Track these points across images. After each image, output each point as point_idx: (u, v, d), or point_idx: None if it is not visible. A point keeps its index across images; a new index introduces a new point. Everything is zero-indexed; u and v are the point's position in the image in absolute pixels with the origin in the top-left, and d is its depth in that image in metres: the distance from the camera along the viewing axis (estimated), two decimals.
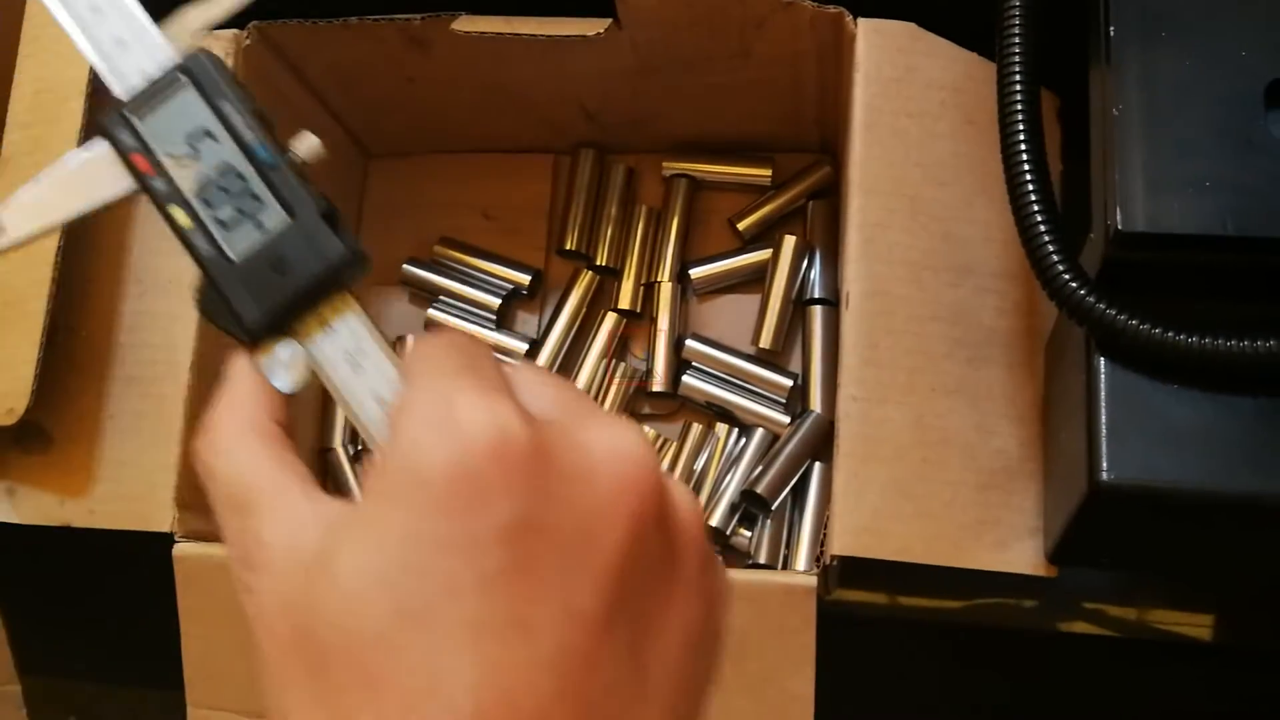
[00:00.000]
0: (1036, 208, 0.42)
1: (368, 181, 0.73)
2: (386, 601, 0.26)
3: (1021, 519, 0.49)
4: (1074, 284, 0.41)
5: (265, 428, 0.32)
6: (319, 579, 0.27)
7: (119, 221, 0.58)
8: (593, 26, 0.57)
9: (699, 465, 0.65)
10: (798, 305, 0.67)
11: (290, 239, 0.34)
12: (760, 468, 0.63)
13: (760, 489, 0.62)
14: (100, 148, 0.35)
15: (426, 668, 0.26)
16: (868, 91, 0.53)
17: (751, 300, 0.68)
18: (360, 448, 0.69)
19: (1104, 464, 0.41)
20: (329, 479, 0.70)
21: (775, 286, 0.66)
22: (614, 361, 0.68)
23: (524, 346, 0.68)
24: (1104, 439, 0.41)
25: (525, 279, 0.69)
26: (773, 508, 0.63)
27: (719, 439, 0.66)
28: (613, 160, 0.71)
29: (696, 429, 0.66)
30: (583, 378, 0.67)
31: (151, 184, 0.34)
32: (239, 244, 0.34)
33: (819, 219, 0.68)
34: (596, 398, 0.67)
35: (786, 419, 0.64)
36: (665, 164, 0.69)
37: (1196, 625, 0.66)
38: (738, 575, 0.49)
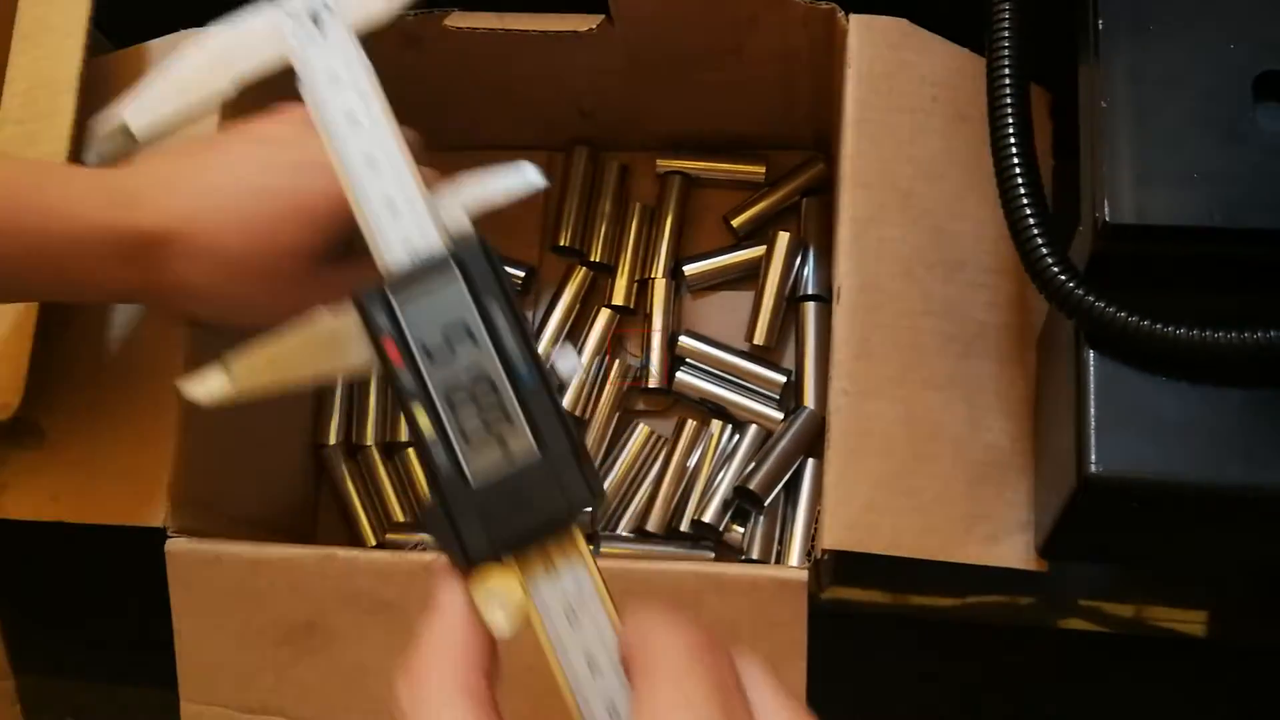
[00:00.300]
0: (1025, 202, 0.42)
1: None
2: None
3: (1012, 513, 0.49)
4: (1063, 277, 0.41)
5: (477, 690, 0.30)
6: None
7: None
8: (585, 22, 0.57)
9: (692, 462, 0.65)
10: (791, 302, 0.67)
11: (536, 472, 0.31)
12: (753, 464, 0.63)
13: (753, 485, 0.62)
14: (350, 318, 0.33)
15: None
16: (859, 87, 0.53)
17: (745, 297, 0.68)
18: (355, 443, 0.69)
19: (1093, 456, 0.41)
20: (323, 476, 0.70)
21: (769, 283, 0.66)
22: (608, 358, 0.68)
23: None
24: (1093, 431, 0.41)
25: (519, 274, 0.69)
26: (766, 504, 0.63)
27: (713, 435, 0.66)
28: (607, 157, 0.71)
29: (690, 425, 0.66)
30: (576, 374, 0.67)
31: (399, 377, 0.32)
32: (479, 464, 0.31)
33: (812, 215, 0.68)
34: (590, 394, 0.67)
35: (780, 415, 0.65)
36: (659, 161, 0.70)
37: (1191, 622, 0.66)
38: (730, 570, 0.49)
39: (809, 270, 0.66)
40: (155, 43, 0.59)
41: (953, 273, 0.52)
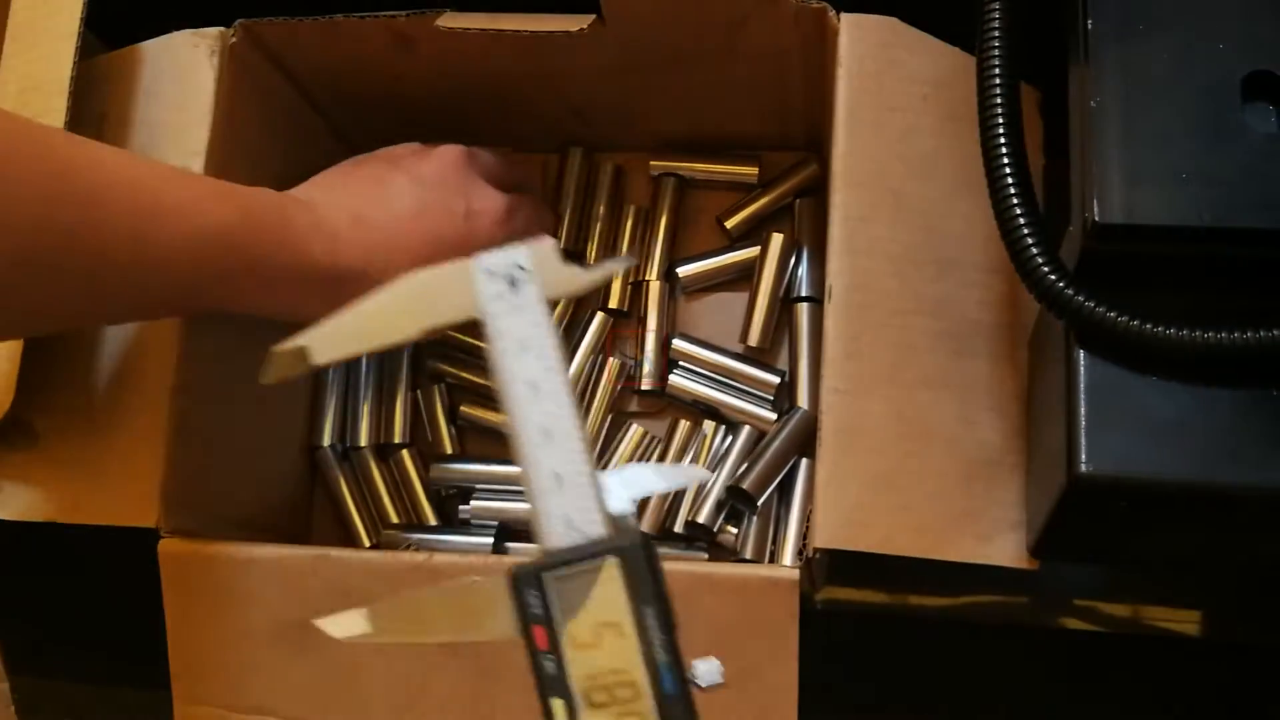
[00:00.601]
0: (1015, 201, 0.42)
1: None
2: None
3: (1004, 512, 0.49)
4: (1053, 277, 0.41)
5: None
6: None
7: None
8: (577, 23, 0.57)
9: (686, 463, 0.65)
10: (785, 303, 0.67)
11: None
12: (746, 465, 0.63)
13: (746, 485, 0.62)
14: (501, 584, 0.33)
15: None
16: (850, 86, 0.53)
17: (739, 298, 0.68)
18: (348, 445, 0.69)
19: (1083, 456, 0.41)
20: (317, 477, 0.70)
21: (763, 284, 0.66)
22: (602, 359, 0.68)
23: None
24: (1083, 431, 0.41)
25: None
26: (759, 504, 0.63)
27: (706, 436, 0.66)
28: (601, 159, 0.71)
29: (684, 426, 0.66)
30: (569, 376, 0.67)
31: (542, 663, 0.32)
32: None
33: (806, 217, 0.68)
34: (584, 396, 0.67)
35: (774, 416, 0.65)
36: (653, 163, 0.70)
37: (1185, 621, 0.66)
38: (723, 570, 0.49)
39: (803, 271, 0.66)
40: (148, 44, 0.59)
41: (944, 272, 0.52)
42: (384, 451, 0.69)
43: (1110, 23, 0.41)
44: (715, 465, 0.65)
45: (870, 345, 0.50)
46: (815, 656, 0.48)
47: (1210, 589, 0.65)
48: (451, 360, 0.69)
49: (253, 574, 0.53)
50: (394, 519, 0.68)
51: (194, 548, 0.53)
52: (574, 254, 0.70)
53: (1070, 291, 0.41)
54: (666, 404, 0.68)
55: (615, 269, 0.36)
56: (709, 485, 0.64)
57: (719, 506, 0.64)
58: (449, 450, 0.68)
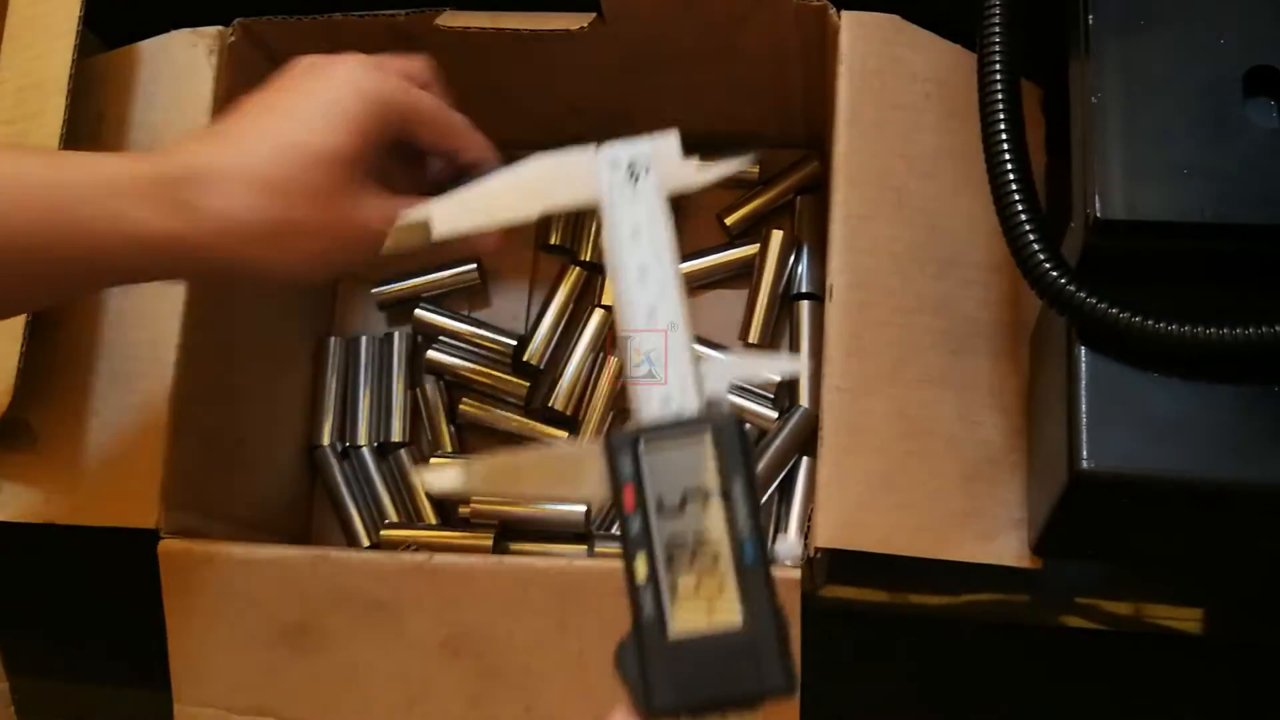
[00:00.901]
0: (1017, 198, 0.42)
1: None
2: None
3: (1006, 510, 0.49)
4: (1054, 273, 0.41)
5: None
6: None
7: None
8: (577, 21, 0.57)
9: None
10: (785, 300, 0.67)
11: (736, 645, 0.32)
12: None
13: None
14: (596, 450, 0.34)
15: None
16: (851, 85, 0.53)
17: (739, 295, 0.68)
18: (348, 444, 0.69)
19: (1084, 452, 0.41)
20: (316, 477, 0.70)
21: (763, 281, 0.66)
22: (603, 357, 0.68)
23: (512, 342, 0.68)
24: (1084, 428, 0.41)
25: (470, 267, 0.70)
26: (760, 503, 0.62)
27: None
28: None
29: None
30: (569, 373, 0.67)
31: (628, 521, 0.33)
32: (682, 621, 0.32)
33: (806, 214, 0.68)
34: (585, 393, 0.67)
35: (774, 414, 0.64)
36: None
37: (1187, 619, 0.66)
38: None
39: (803, 268, 0.66)
40: (147, 43, 0.59)
41: (945, 269, 0.51)
42: (383, 450, 0.69)
43: (1111, 18, 0.41)
44: None
45: (872, 344, 0.50)
46: (816, 655, 0.48)
47: (1212, 586, 0.65)
48: (449, 354, 0.69)
49: (252, 575, 0.53)
50: (393, 518, 0.67)
51: (194, 548, 0.53)
52: (561, 249, 0.70)
53: (1072, 288, 0.41)
54: None
55: (735, 166, 0.38)
56: None
57: None
58: (449, 448, 0.68)
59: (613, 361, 0.67)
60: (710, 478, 0.33)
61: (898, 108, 0.53)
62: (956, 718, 0.66)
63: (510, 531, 0.65)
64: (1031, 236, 0.41)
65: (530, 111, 0.67)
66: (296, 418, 0.69)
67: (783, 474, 0.63)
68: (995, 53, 0.43)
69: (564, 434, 0.66)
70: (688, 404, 0.35)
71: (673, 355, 0.36)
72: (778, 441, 0.63)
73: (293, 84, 0.48)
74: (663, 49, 0.60)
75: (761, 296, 0.66)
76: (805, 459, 0.63)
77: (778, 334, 0.67)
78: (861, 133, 0.52)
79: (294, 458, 0.69)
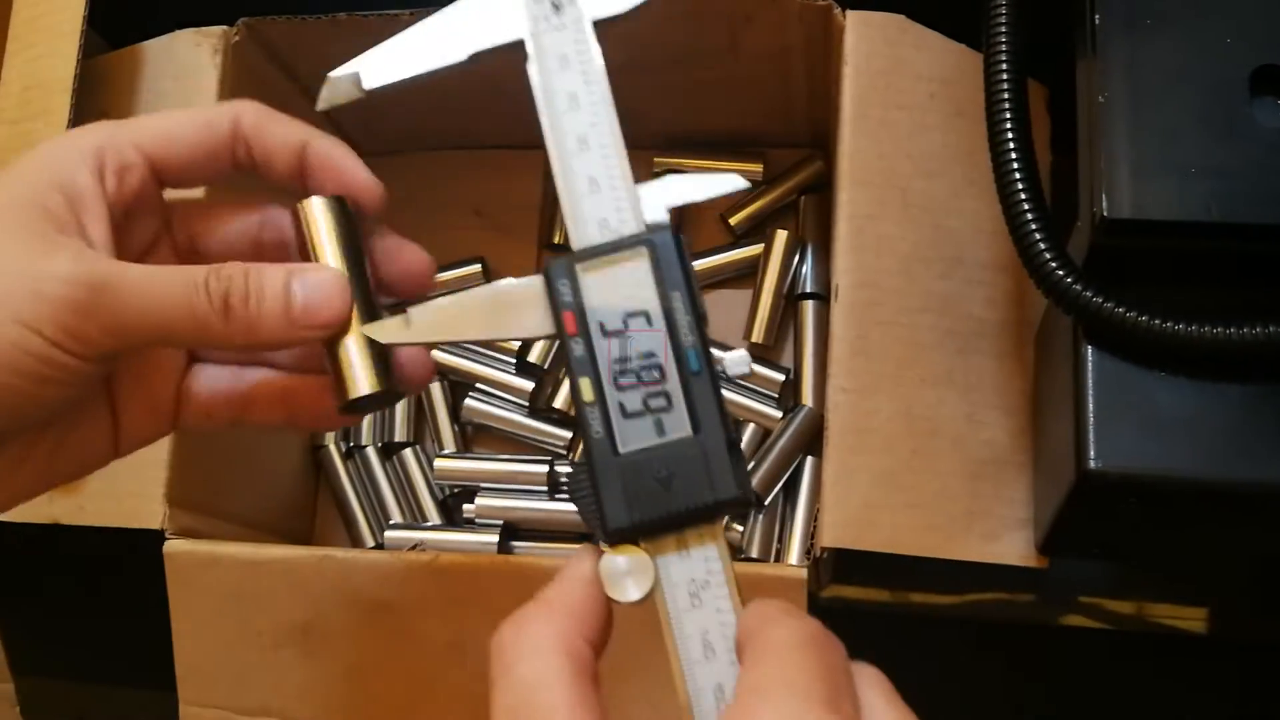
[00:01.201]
0: (1023, 197, 0.42)
1: None
2: None
3: (1011, 510, 0.49)
4: (1061, 272, 0.41)
5: (579, 652, 0.31)
6: None
7: None
8: None
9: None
10: (789, 300, 0.67)
11: (686, 456, 0.32)
12: (752, 463, 0.63)
13: (753, 484, 0.62)
14: (533, 284, 0.34)
15: None
16: (857, 84, 0.53)
17: (743, 295, 0.67)
18: (351, 444, 0.69)
19: (1091, 452, 0.41)
20: (321, 477, 0.70)
21: (767, 281, 0.66)
22: None
23: (516, 343, 0.68)
24: (1091, 427, 0.41)
25: (475, 268, 0.70)
26: (765, 503, 0.63)
27: None
28: None
29: None
30: None
31: (572, 347, 0.33)
32: (632, 438, 0.32)
33: (810, 214, 0.68)
34: None
35: (779, 414, 0.64)
36: (656, 159, 0.69)
37: (1192, 619, 0.65)
38: None
39: (807, 268, 0.66)
40: (151, 43, 0.59)
41: (951, 269, 0.51)
42: (388, 450, 0.69)
43: (1118, 18, 0.41)
44: None
45: (877, 343, 0.50)
46: None
47: (1218, 585, 0.65)
48: (453, 354, 0.69)
49: (258, 575, 0.53)
50: (398, 518, 0.67)
51: (199, 549, 0.53)
52: (567, 249, 0.70)
53: (1079, 287, 0.41)
54: None
55: (729, 185, 0.38)
56: None
57: None
58: (453, 448, 0.68)
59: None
60: (650, 295, 0.33)
61: (903, 107, 0.53)
62: (958, 718, 0.66)
63: (515, 531, 0.65)
64: (1038, 236, 0.41)
65: (532, 112, 0.67)
66: None
67: (787, 474, 0.63)
68: (1001, 52, 0.43)
69: (568, 435, 0.66)
70: (624, 225, 0.34)
71: (607, 178, 0.35)
72: (782, 441, 0.63)
73: None
74: (667, 48, 0.60)
75: (765, 296, 0.66)
76: (810, 459, 0.63)
77: (782, 334, 0.67)
78: (867, 132, 0.52)
79: (298, 458, 0.69)
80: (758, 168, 0.69)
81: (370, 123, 0.70)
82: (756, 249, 0.67)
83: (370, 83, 0.38)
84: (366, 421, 0.69)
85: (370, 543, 0.67)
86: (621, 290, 0.34)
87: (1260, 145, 0.39)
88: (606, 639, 0.32)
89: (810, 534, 0.62)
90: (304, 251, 0.39)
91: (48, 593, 0.71)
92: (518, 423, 0.67)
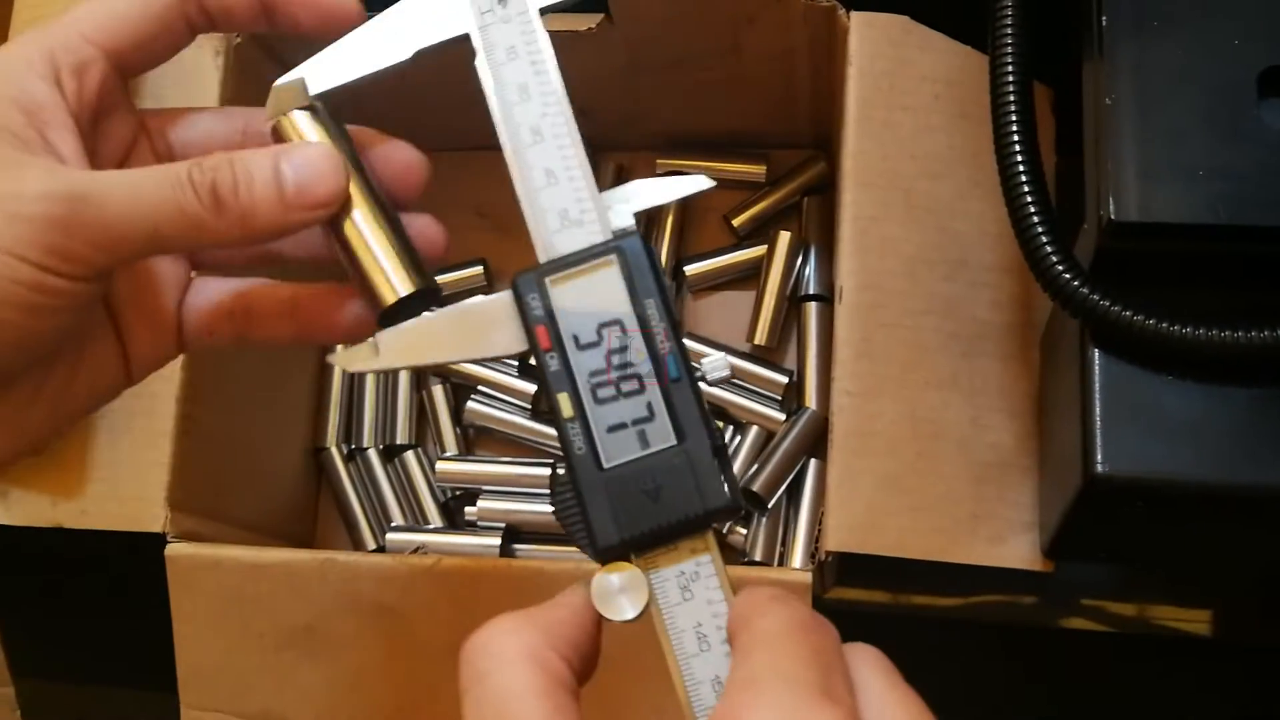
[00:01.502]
0: (1030, 200, 0.42)
1: None
2: None
3: (1017, 513, 0.49)
4: (1067, 275, 0.41)
5: (553, 665, 0.30)
6: None
7: None
8: (584, 22, 0.56)
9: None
10: (793, 301, 0.66)
11: (672, 466, 0.32)
12: (756, 466, 0.63)
13: (756, 487, 0.61)
14: (503, 301, 0.34)
15: None
16: (861, 85, 0.53)
17: (746, 297, 0.67)
18: (353, 446, 0.69)
19: (1099, 456, 0.41)
20: (322, 479, 0.69)
21: (770, 283, 0.66)
22: None
23: None
24: (1098, 431, 0.41)
25: (477, 270, 0.69)
26: (769, 506, 0.62)
27: None
28: (604, 157, 0.70)
29: None
30: None
31: (546, 362, 0.33)
32: (615, 451, 0.32)
33: (814, 215, 0.67)
34: None
35: (782, 416, 0.64)
36: (658, 160, 0.69)
37: (1196, 621, 0.65)
38: (733, 572, 0.49)
39: (810, 270, 0.66)
40: None
41: (955, 271, 0.51)
42: (389, 452, 0.69)
43: (1125, 19, 0.41)
44: None
45: (882, 346, 0.50)
46: None
47: (1222, 588, 0.65)
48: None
49: (260, 579, 0.52)
50: (399, 521, 0.67)
51: (201, 552, 0.53)
52: None
53: (1086, 290, 0.40)
54: None
55: (692, 186, 0.37)
56: None
57: None
58: (455, 451, 0.68)
59: None
60: (623, 304, 0.33)
61: (907, 109, 0.53)
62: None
63: (517, 534, 0.65)
64: (1044, 239, 0.41)
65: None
66: (302, 420, 0.69)
67: (791, 476, 0.62)
68: (1007, 54, 0.43)
69: None
70: (586, 217, 0.34)
71: (564, 169, 0.34)
72: (785, 444, 0.62)
73: None
74: (670, 49, 0.60)
75: (768, 298, 0.65)
76: (813, 461, 0.63)
77: (785, 336, 0.67)
78: (871, 134, 0.52)
79: (299, 460, 0.68)
80: (760, 169, 0.69)
81: (372, 123, 0.70)
82: (759, 250, 0.67)
83: (316, 88, 0.37)
84: (368, 423, 0.69)
85: (372, 545, 0.67)
86: (593, 300, 0.33)
87: (1268, 147, 0.39)
88: (591, 665, 0.31)
89: (814, 537, 0.62)
90: None
91: (49, 596, 0.70)
92: (520, 425, 0.67)
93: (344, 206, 0.36)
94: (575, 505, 0.32)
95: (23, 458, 0.38)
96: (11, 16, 0.59)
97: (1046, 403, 0.49)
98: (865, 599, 0.67)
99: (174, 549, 0.53)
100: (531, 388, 0.67)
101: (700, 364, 0.34)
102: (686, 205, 0.70)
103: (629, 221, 0.34)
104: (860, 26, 0.53)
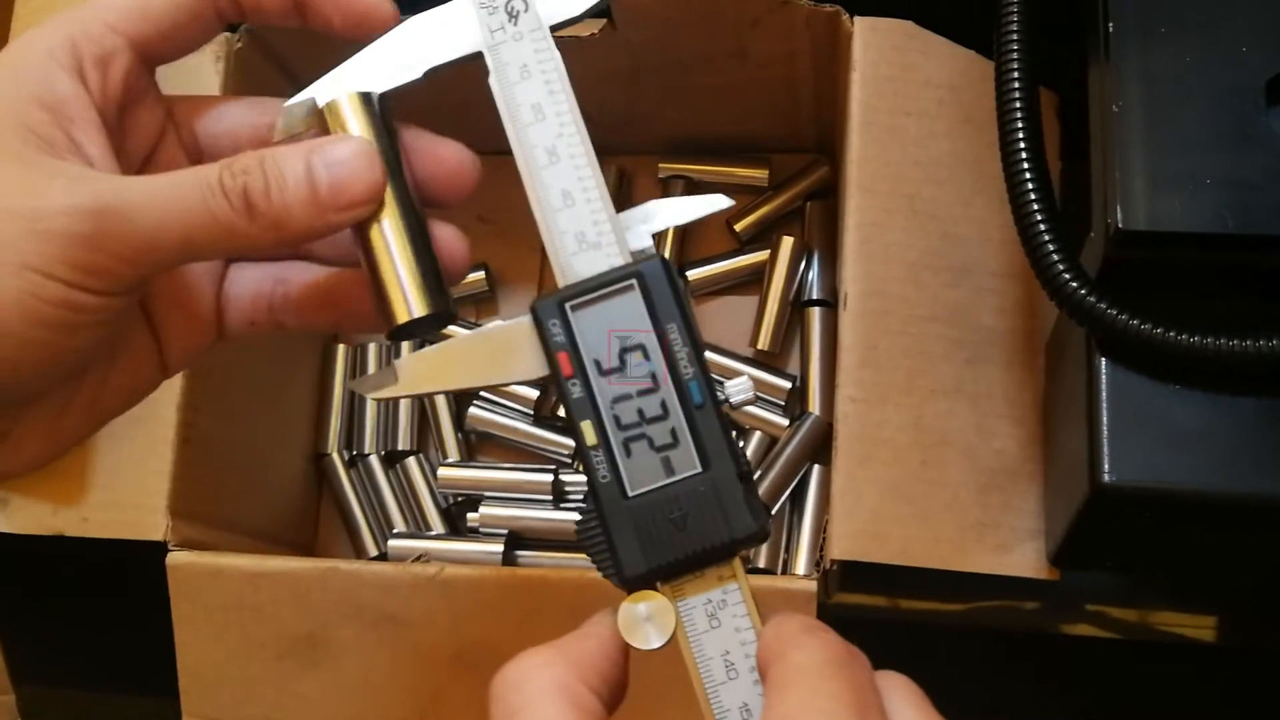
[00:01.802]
0: (1036, 207, 0.41)
1: None
2: None
3: (1022, 521, 0.49)
4: (1074, 284, 0.40)
5: (584, 700, 0.29)
6: None
7: None
8: (588, 27, 0.56)
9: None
10: (796, 307, 0.66)
11: (697, 494, 0.31)
12: (759, 472, 0.62)
13: (759, 492, 0.61)
14: (523, 327, 0.33)
15: None
16: (865, 90, 0.52)
17: (749, 302, 0.67)
18: (354, 453, 0.69)
19: (1106, 465, 0.40)
20: (325, 485, 0.69)
21: (773, 288, 0.65)
22: None
23: None
24: (1105, 440, 0.41)
25: (479, 275, 0.69)
26: (772, 512, 0.62)
27: None
28: (607, 161, 0.70)
29: None
30: None
31: (569, 390, 0.32)
32: (639, 478, 0.32)
33: (816, 220, 0.67)
34: None
35: (785, 422, 0.64)
36: (661, 165, 0.69)
37: (1199, 627, 0.65)
38: None
39: (813, 275, 0.66)
40: None
41: (959, 278, 0.51)
42: (391, 458, 0.69)
43: (1131, 26, 0.41)
44: None
45: (886, 353, 0.50)
46: None
47: (1231, 596, 0.64)
48: None
49: (262, 587, 0.52)
50: (401, 527, 0.67)
51: (202, 561, 0.53)
52: None
53: (1092, 299, 0.40)
54: None
55: (710, 206, 0.37)
56: None
57: None
58: (457, 457, 0.68)
59: None
60: (645, 328, 0.32)
61: (911, 114, 0.52)
62: None
63: (519, 540, 0.65)
64: (1051, 247, 0.41)
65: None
66: (303, 426, 0.68)
67: (794, 483, 0.62)
68: (1013, 59, 0.43)
69: (572, 443, 0.66)
70: (604, 239, 0.33)
71: (580, 190, 0.34)
72: (789, 450, 0.62)
73: None
74: (673, 54, 0.59)
75: (771, 303, 0.65)
76: (816, 467, 0.63)
77: (788, 341, 0.66)
78: (874, 139, 0.52)
79: (301, 466, 0.68)
80: (763, 173, 0.68)
81: None
82: (762, 255, 0.67)
83: (324, 102, 0.36)
84: (370, 430, 0.69)
85: (374, 551, 0.67)
86: (614, 325, 0.33)
87: (1276, 156, 0.39)
88: (620, 695, 0.31)
89: (819, 544, 0.62)
90: None
91: (50, 604, 0.70)
92: (522, 431, 0.67)
93: (373, 214, 0.35)
94: (600, 534, 0.32)
95: (56, 459, 0.37)
96: (12, 18, 0.58)
97: (1051, 410, 0.49)
98: (865, 603, 0.67)
99: (175, 558, 0.53)
100: (533, 394, 0.67)
101: (724, 387, 0.34)
102: None
103: (647, 243, 0.34)
104: (864, 31, 0.53)
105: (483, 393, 0.67)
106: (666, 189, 0.69)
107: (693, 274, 0.67)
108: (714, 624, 0.31)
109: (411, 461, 0.68)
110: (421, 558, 0.63)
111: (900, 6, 0.53)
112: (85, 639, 0.71)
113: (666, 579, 0.32)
